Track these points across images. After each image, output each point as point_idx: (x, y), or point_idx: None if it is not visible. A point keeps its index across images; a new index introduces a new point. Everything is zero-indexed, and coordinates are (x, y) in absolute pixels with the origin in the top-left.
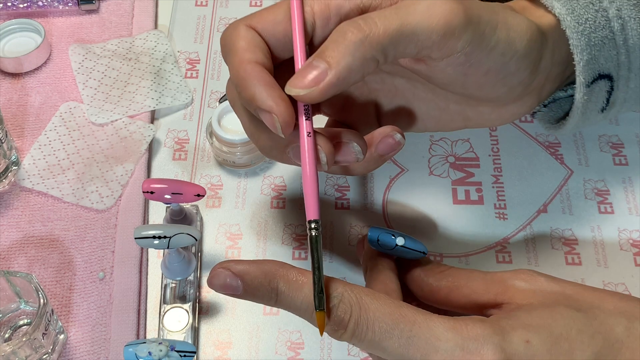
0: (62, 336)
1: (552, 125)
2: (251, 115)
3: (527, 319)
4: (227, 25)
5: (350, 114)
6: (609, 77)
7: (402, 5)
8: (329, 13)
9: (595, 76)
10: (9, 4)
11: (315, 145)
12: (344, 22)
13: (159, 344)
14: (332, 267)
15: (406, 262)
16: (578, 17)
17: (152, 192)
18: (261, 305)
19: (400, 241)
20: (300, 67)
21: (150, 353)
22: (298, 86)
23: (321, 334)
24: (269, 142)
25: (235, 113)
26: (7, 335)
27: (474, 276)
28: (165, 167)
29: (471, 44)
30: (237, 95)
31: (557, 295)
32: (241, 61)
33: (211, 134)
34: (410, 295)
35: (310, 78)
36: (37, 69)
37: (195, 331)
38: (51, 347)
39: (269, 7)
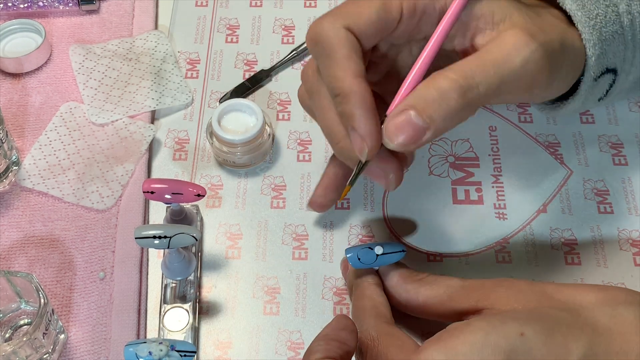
0: (62, 336)
1: (547, 106)
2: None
3: (514, 314)
4: (314, 21)
5: (388, 84)
6: (614, 71)
7: (500, 61)
8: (415, 12)
9: (603, 70)
10: (10, 4)
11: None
12: (445, 78)
13: (160, 343)
14: (332, 267)
15: (384, 274)
16: (589, 12)
17: (152, 192)
18: (261, 305)
19: (378, 250)
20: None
21: (150, 353)
22: (395, 141)
23: (340, 199)
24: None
25: (312, 100)
26: (7, 335)
27: (453, 283)
28: (165, 167)
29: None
30: (319, 87)
31: (539, 295)
32: (345, 73)
33: (211, 134)
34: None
35: (408, 135)
36: (37, 69)
37: (195, 331)
38: (51, 347)
39: (360, 1)
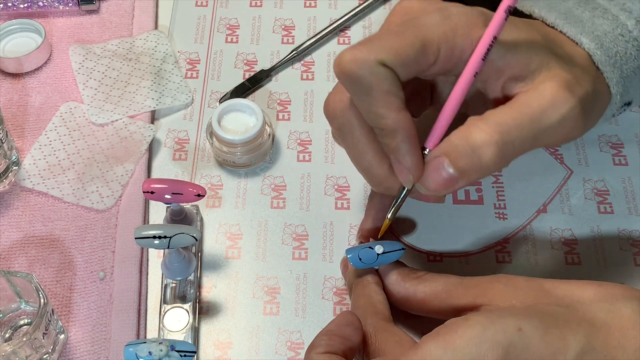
0: (62, 336)
1: None
2: (372, 142)
3: (512, 310)
4: (346, 52)
5: (411, 107)
6: (629, 104)
7: (537, 117)
8: (452, 56)
9: (621, 105)
10: (9, 4)
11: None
12: (480, 131)
13: (159, 343)
14: (332, 267)
15: (383, 272)
16: (607, 50)
17: (152, 192)
18: (261, 305)
19: (379, 249)
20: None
21: (150, 353)
22: (428, 187)
23: (379, 235)
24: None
25: (344, 138)
26: (7, 335)
27: (451, 280)
28: (165, 167)
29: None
30: (352, 127)
31: (537, 291)
32: (389, 109)
33: (211, 134)
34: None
35: (440, 182)
36: (37, 69)
37: (195, 331)
38: (51, 347)
39: (398, 37)
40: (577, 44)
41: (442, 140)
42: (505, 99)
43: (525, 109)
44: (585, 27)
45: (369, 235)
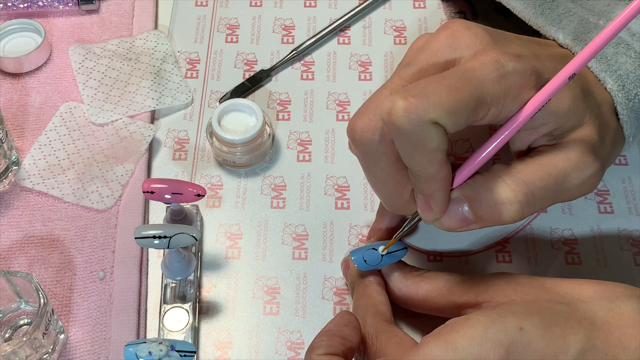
0: (62, 336)
1: None
2: (396, 173)
3: (513, 308)
4: (394, 103)
5: None
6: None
7: (560, 180)
8: (496, 118)
9: (632, 144)
10: (9, 4)
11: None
12: (505, 187)
13: (159, 343)
14: (332, 267)
15: (385, 271)
16: (628, 92)
17: (152, 192)
18: (261, 305)
19: (383, 250)
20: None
21: (150, 353)
22: (443, 225)
23: (383, 250)
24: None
25: (367, 163)
26: (7, 335)
27: (453, 278)
28: (165, 167)
29: None
30: (379, 159)
31: (537, 288)
32: (432, 163)
33: (211, 134)
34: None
35: (456, 222)
36: (37, 69)
37: (195, 331)
38: (51, 347)
39: (453, 94)
40: (600, 82)
41: (467, 179)
42: (527, 149)
43: (551, 170)
44: (609, 64)
45: (382, 235)
